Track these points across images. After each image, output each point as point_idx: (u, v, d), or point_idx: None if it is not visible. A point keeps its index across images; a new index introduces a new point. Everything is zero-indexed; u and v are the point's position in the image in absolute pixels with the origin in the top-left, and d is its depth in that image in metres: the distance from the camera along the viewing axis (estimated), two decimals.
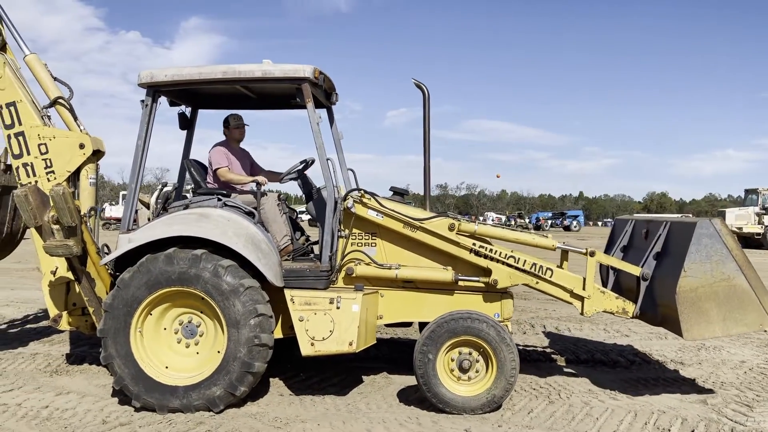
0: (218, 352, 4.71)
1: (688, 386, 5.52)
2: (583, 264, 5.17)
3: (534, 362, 6.28)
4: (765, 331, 4.78)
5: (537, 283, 5.09)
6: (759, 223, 27.01)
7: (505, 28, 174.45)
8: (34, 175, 5.56)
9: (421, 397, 4.96)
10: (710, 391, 5.35)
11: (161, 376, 4.71)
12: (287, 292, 4.83)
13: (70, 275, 5.50)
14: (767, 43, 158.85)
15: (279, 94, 5.85)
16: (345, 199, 5.12)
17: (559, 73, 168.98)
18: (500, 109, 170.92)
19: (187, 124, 6.01)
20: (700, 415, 4.72)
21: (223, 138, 5.98)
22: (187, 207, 5.19)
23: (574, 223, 57.97)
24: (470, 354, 4.77)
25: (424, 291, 5.22)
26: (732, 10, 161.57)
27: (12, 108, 5.54)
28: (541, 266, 5.08)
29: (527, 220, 61.82)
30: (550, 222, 58.12)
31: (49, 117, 5.75)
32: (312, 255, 5.53)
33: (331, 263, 5.01)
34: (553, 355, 6.60)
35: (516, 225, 50.40)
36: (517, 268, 5.07)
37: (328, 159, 5.04)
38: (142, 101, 5.22)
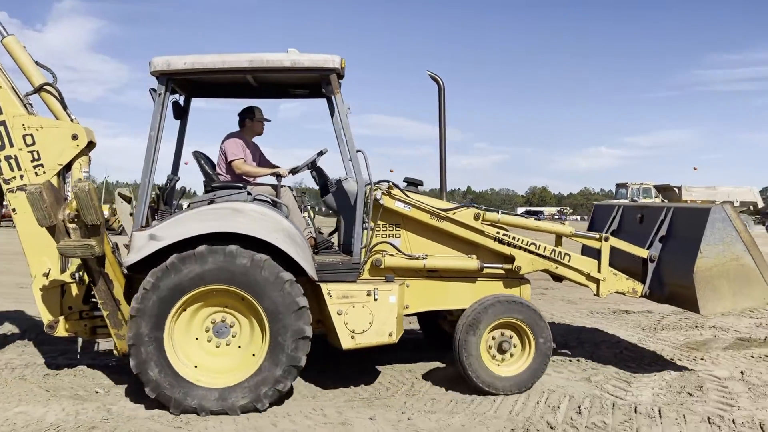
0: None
1: (573, 366, 5.88)
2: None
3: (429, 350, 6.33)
4: None
5: (556, 268, 5.36)
6: None
7: (404, 24, 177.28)
8: (19, 168, 5.05)
9: (326, 389, 5.05)
10: (592, 370, 5.74)
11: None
12: (324, 286, 4.76)
13: (64, 278, 5.09)
14: (638, 47, 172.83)
15: (283, 84, 5.68)
16: (372, 190, 5.10)
17: (455, 68, 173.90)
18: (399, 106, 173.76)
19: (181, 113, 5.68)
20: (585, 392, 5.08)
21: (237, 129, 5.73)
22: (212, 201, 4.93)
23: None
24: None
25: (447, 279, 5.32)
26: (607, 11, 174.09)
27: None
28: (560, 252, 5.35)
29: None
30: None
31: (31, 105, 5.23)
32: (335, 248, 5.46)
33: (361, 255, 4.99)
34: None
35: None
36: (538, 254, 5.31)
37: (359, 151, 4.98)
38: (153, 90, 4.90)
